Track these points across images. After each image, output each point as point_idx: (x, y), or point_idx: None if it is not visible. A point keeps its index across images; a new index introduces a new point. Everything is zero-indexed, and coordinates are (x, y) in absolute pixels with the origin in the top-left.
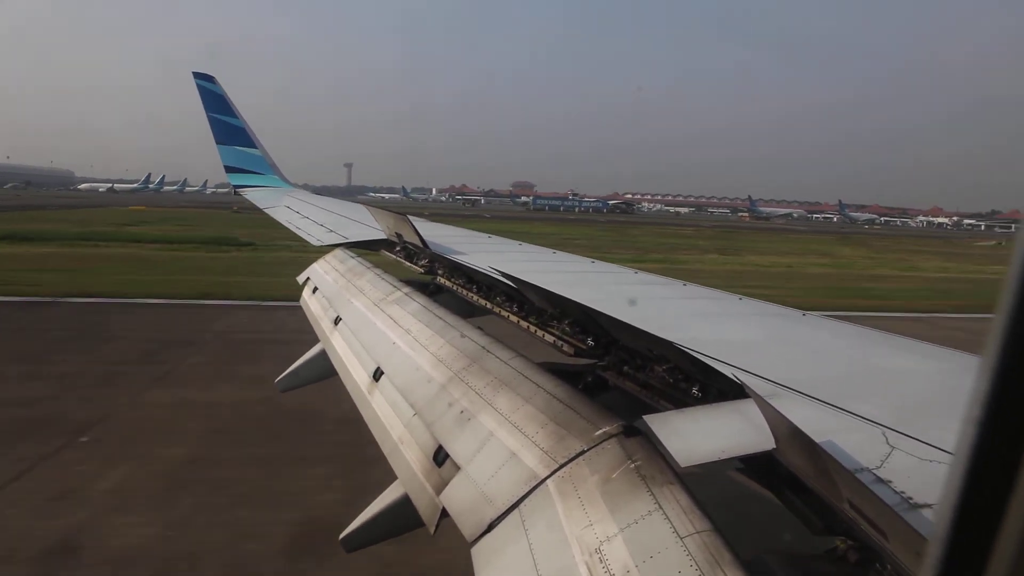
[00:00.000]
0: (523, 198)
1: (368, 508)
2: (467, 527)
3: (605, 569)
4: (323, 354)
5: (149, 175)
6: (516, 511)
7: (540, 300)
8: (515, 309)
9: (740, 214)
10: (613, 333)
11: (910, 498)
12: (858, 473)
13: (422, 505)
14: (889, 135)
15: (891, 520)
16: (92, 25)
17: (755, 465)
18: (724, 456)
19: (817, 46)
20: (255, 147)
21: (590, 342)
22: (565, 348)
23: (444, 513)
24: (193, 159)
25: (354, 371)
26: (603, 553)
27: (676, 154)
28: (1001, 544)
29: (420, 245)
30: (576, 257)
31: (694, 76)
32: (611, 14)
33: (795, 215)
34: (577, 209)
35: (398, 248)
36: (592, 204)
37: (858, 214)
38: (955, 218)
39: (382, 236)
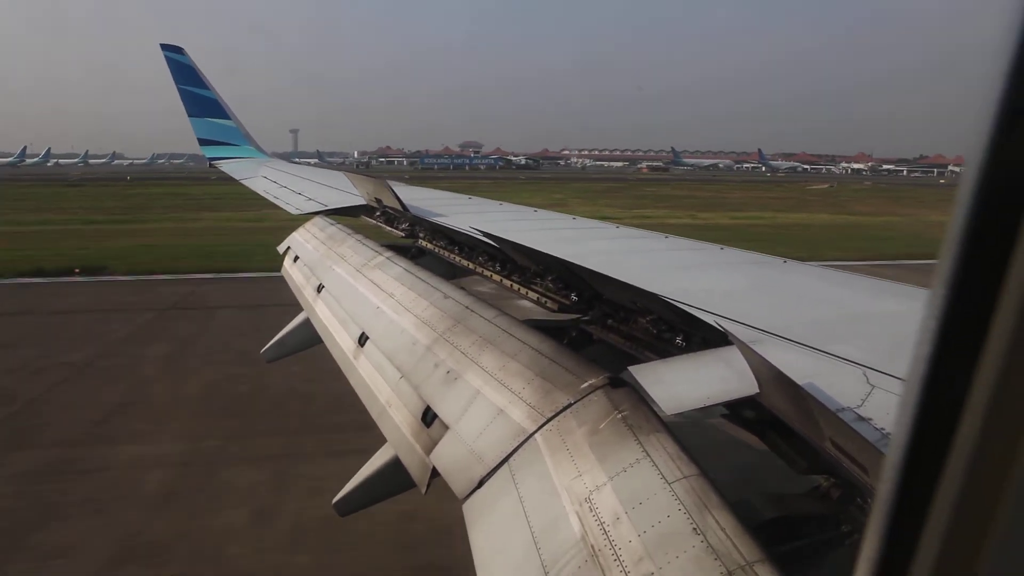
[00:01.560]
0: (428, 159)
1: (359, 472)
2: (458, 485)
3: (595, 517)
4: (307, 322)
5: (25, 148)
6: (505, 466)
7: (522, 258)
8: (497, 268)
9: (640, 166)
10: (596, 287)
11: (890, 434)
12: (840, 412)
13: (413, 466)
14: (836, 89)
15: (872, 455)
16: None
17: (739, 410)
18: (709, 403)
19: None
20: (228, 118)
21: (573, 297)
22: (549, 304)
23: (435, 472)
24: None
25: (339, 338)
26: (593, 502)
27: (625, 112)
28: (946, 477)
29: (400, 209)
30: (557, 214)
31: (644, 33)
32: None
33: (721, 165)
34: (467, 167)
35: (378, 213)
36: (485, 161)
37: (779, 163)
38: (871, 164)
39: (362, 202)
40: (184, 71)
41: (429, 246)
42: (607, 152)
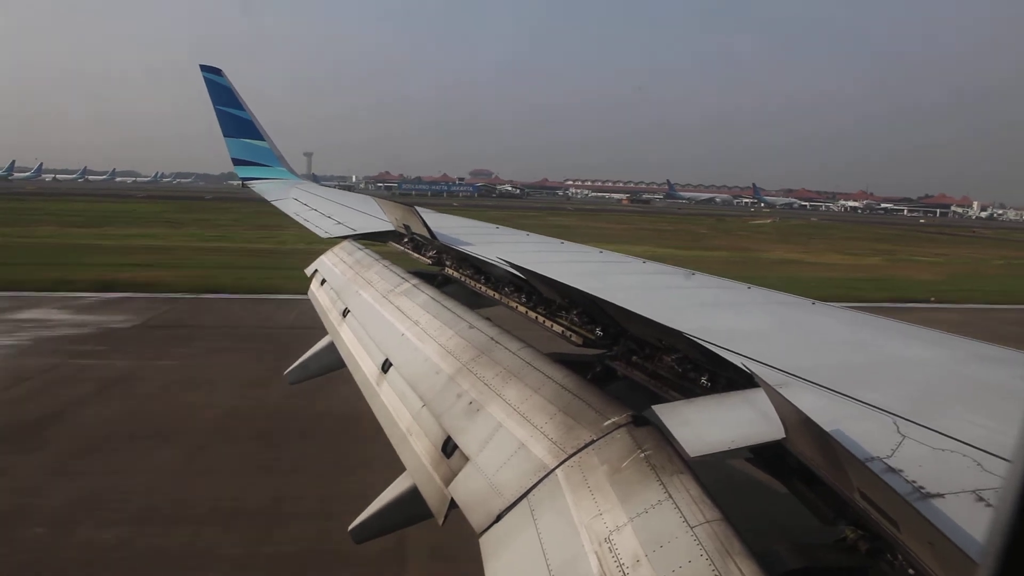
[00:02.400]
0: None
1: (377, 499)
2: (476, 518)
3: (615, 558)
4: (331, 346)
5: (13, 162)
6: (525, 501)
7: (548, 290)
8: (523, 300)
9: (621, 198)
10: (622, 323)
11: (922, 487)
12: (869, 462)
13: (431, 496)
14: (858, 128)
15: (902, 510)
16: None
17: (765, 455)
18: (734, 446)
19: (803, 34)
20: (263, 139)
21: (598, 332)
22: (574, 338)
23: (453, 504)
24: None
25: (363, 363)
26: (613, 542)
27: (640, 146)
28: None
29: (428, 236)
30: (584, 247)
31: (668, 69)
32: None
33: (718, 200)
34: (444, 194)
35: (406, 239)
36: (463, 188)
37: (775, 198)
38: (867, 201)
39: (390, 228)
40: (222, 92)
41: (455, 274)
42: (609, 184)
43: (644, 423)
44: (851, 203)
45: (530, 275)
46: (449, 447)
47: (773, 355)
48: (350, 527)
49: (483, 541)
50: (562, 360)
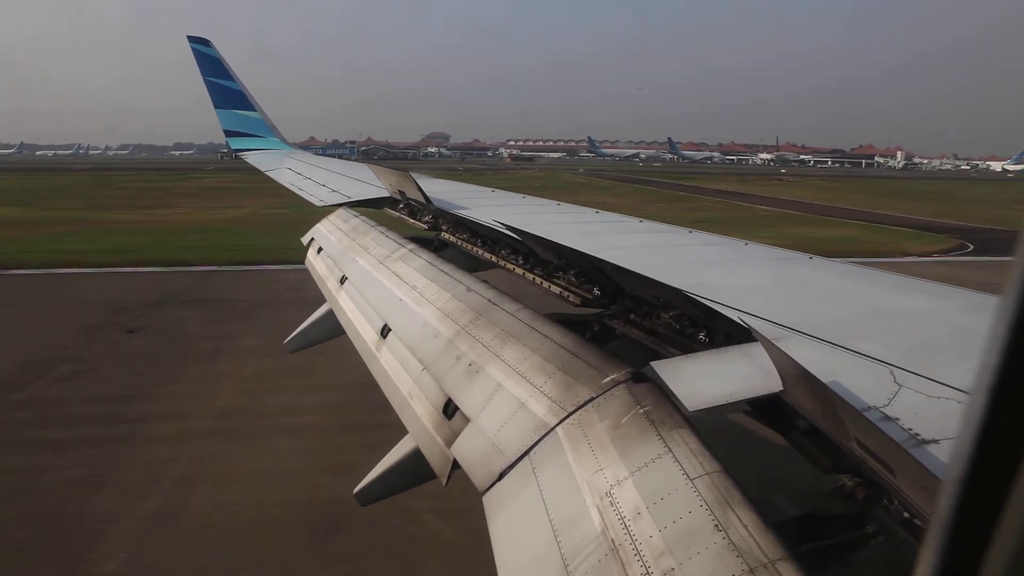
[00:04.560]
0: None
1: (381, 462)
2: (478, 477)
3: (616, 511)
4: (330, 314)
5: (22, 143)
6: (526, 459)
7: (545, 252)
8: (520, 261)
9: (507, 155)
10: (619, 282)
11: (918, 434)
12: (866, 412)
13: (433, 458)
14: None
15: (898, 456)
16: None
17: (763, 408)
18: (732, 399)
19: None
20: (254, 110)
21: (596, 292)
22: (571, 298)
23: (455, 465)
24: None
25: (362, 329)
26: (613, 496)
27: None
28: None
29: (423, 201)
30: (579, 208)
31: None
32: None
33: (644, 155)
34: (327, 155)
35: (401, 205)
36: (342, 152)
37: (693, 152)
38: (777, 154)
39: (385, 194)
40: (211, 63)
41: (452, 238)
42: (549, 143)
43: (643, 379)
44: (763, 155)
45: (526, 237)
46: (450, 409)
47: (770, 309)
48: (355, 490)
49: (486, 500)
50: (560, 320)
